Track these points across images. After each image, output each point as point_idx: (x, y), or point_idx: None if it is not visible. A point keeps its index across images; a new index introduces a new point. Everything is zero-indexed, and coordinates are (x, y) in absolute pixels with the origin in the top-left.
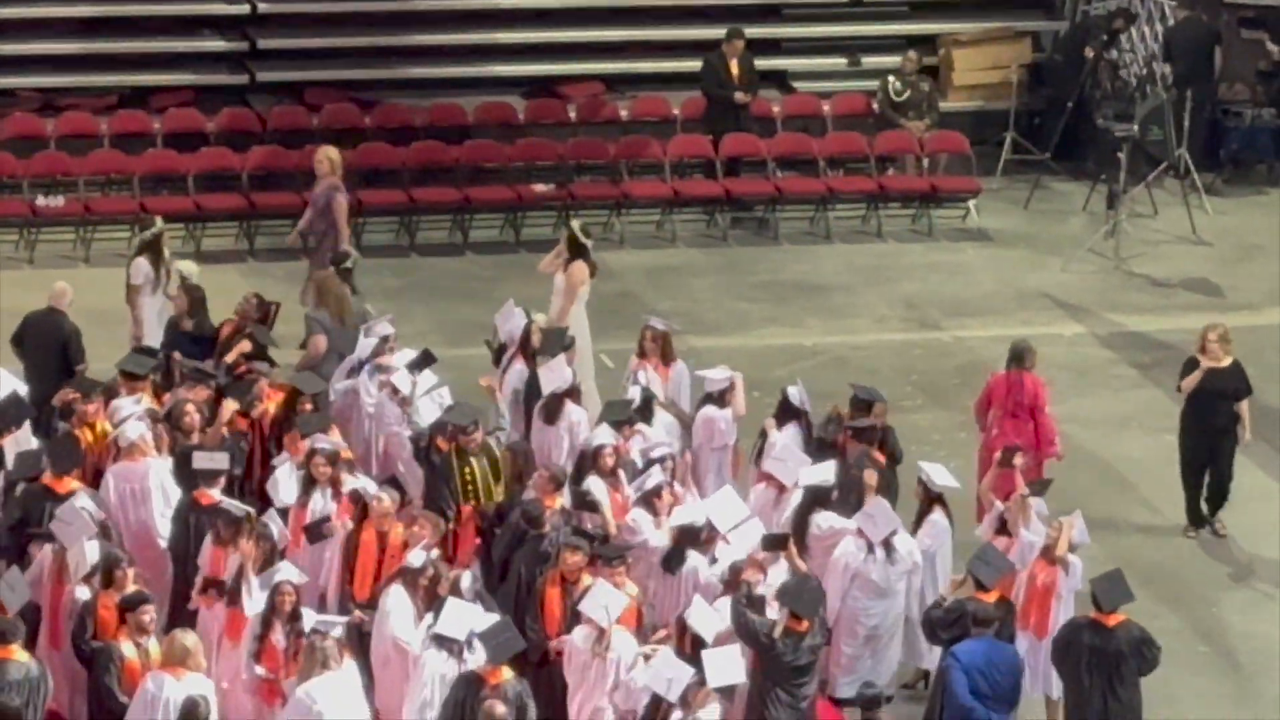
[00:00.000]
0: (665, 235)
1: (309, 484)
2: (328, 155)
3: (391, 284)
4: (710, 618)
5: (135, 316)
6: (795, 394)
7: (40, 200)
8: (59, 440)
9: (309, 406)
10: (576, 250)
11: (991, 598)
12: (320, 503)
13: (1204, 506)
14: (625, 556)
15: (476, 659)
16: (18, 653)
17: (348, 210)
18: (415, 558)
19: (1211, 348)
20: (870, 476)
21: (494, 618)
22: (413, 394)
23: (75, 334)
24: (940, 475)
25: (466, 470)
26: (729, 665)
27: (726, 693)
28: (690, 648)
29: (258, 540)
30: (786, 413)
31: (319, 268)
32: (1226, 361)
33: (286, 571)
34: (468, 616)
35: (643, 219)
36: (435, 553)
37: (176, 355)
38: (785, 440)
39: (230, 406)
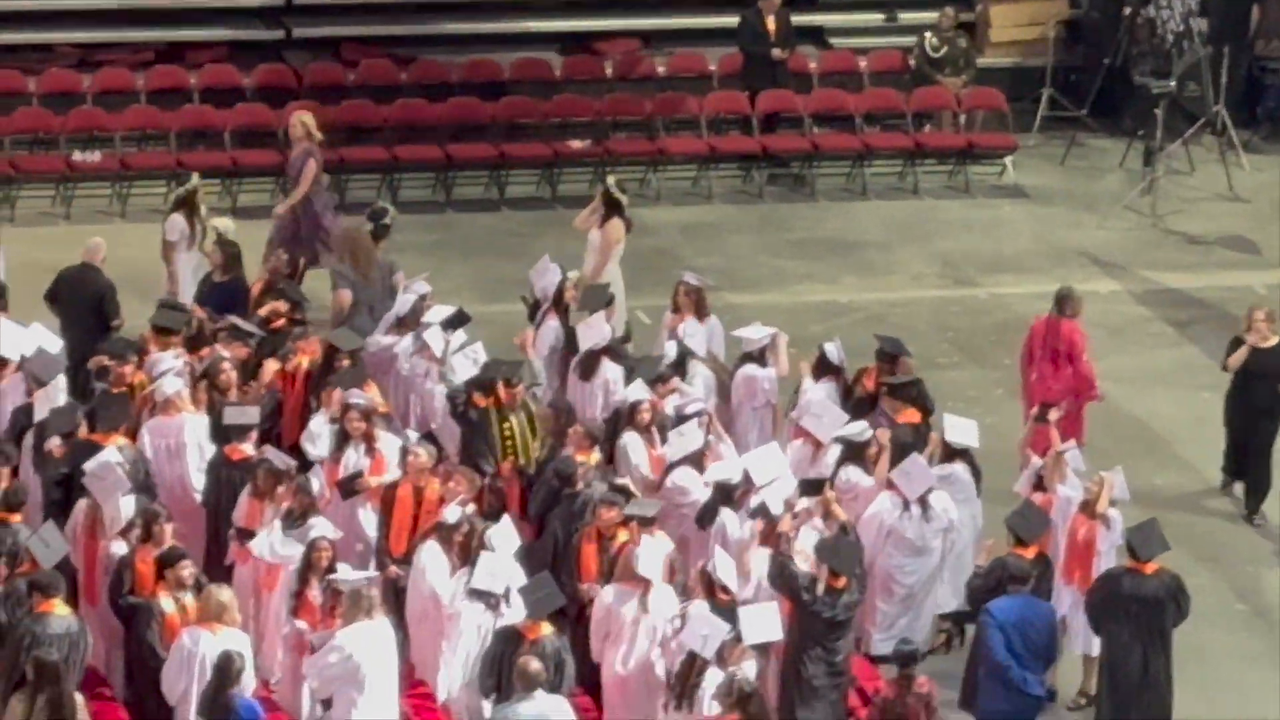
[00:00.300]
0: (701, 191)
1: (343, 439)
2: (301, 120)
3: (427, 240)
4: (732, 569)
5: (171, 273)
6: (833, 351)
7: (77, 155)
8: (108, 396)
9: (345, 362)
10: (612, 207)
11: (1030, 554)
12: (354, 458)
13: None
14: (656, 515)
15: (514, 614)
16: (59, 607)
17: (319, 174)
18: (450, 513)
19: (1259, 326)
20: (883, 435)
21: (536, 574)
22: (445, 352)
23: (110, 289)
24: (961, 431)
25: (505, 426)
26: (765, 622)
27: (762, 649)
28: (721, 598)
29: (296, 493)
30: (823, 369)
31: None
32: (1273, 341)
33: (321, 527)
34: (503, 570)
35: (679, 175)
36: (470, 508)
37: (202, 311)
38: (821, 396)
39: (272, 366)
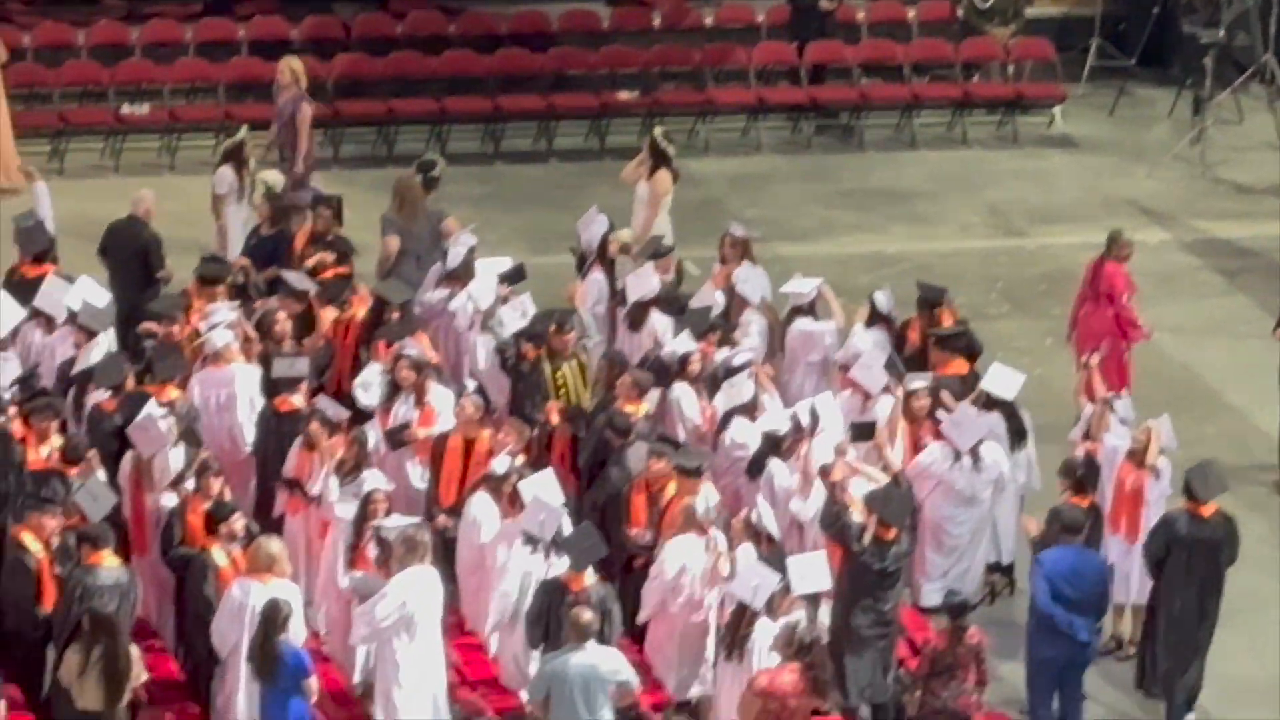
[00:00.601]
0: (750, 142)
1: (393, 390)
2: (290, 65)
3: (476, 192)
4: (773, 518)
5: (220, 226)
6: (883, 300)
7: (125, 108)
8: (164, 347)
9: (395, 314)
10: (659, 158)
11: (1084, 503)
12: (403, 409)
13: None
14: (703, 466)
15: (560, 565)
16: (109, 558)
17: (312, 120)
18: (499, 464)
19: None
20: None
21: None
22: (494, 305)
23: (155, 242)
24: (1001, 381)
25: (558, 374)
26: (814, 572)
27: (811, 599)
28: (766, 547)
29: (351, 444)
30: (873, 319)
31: (296, 181)
32: None
33: (374, 480)
34: (551, 517)
35: (727, 126)
36: (519, 460)
37: (246, 263)
38: (871, 346)
39: (329, 315)
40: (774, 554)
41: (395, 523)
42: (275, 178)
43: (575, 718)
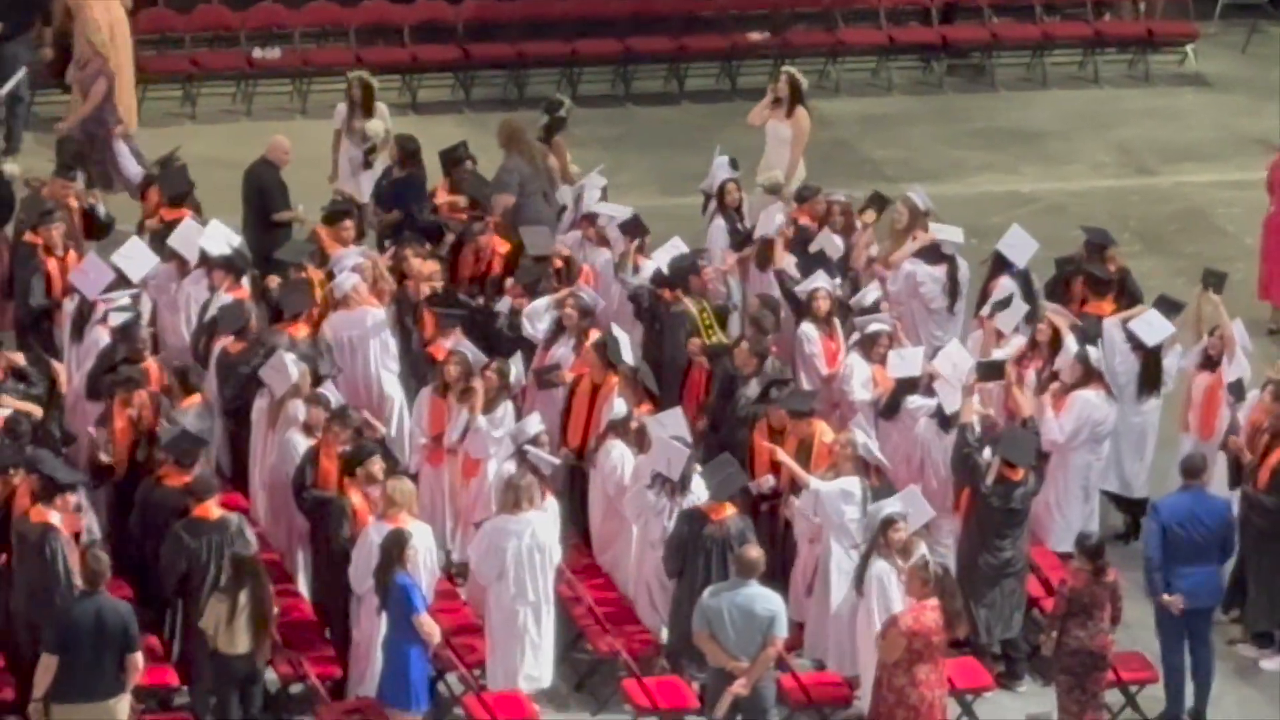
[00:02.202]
0: (880, 83)
1: (558, 329)
2: (89, 38)
3: (606, 134)
4: (874, 445)
5: (335, 160)
6: (1010, 241)
7: (257, 53)
8: (291, 283)
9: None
10: (797, 96)
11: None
12: (562, 350)
13: None
14: (812, 408)
15: (696, 497)
16: (214, 510)
17: (111, 94)
18: (618, 409)
19: None
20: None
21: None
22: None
23: (276, 185)
24: (1150, 327)
25: (702, 313)
26: (917, 504)
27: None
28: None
29: (496, 377)
30: (999, 268)
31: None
32: None
33: (533, 424)
34: (677, 456)
35: (858, 67)
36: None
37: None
38: (1004, 285)
39: (426, 268)
40: (884, 486)
41: (541, 456)
42: (376, 127)
43: (730, 652)
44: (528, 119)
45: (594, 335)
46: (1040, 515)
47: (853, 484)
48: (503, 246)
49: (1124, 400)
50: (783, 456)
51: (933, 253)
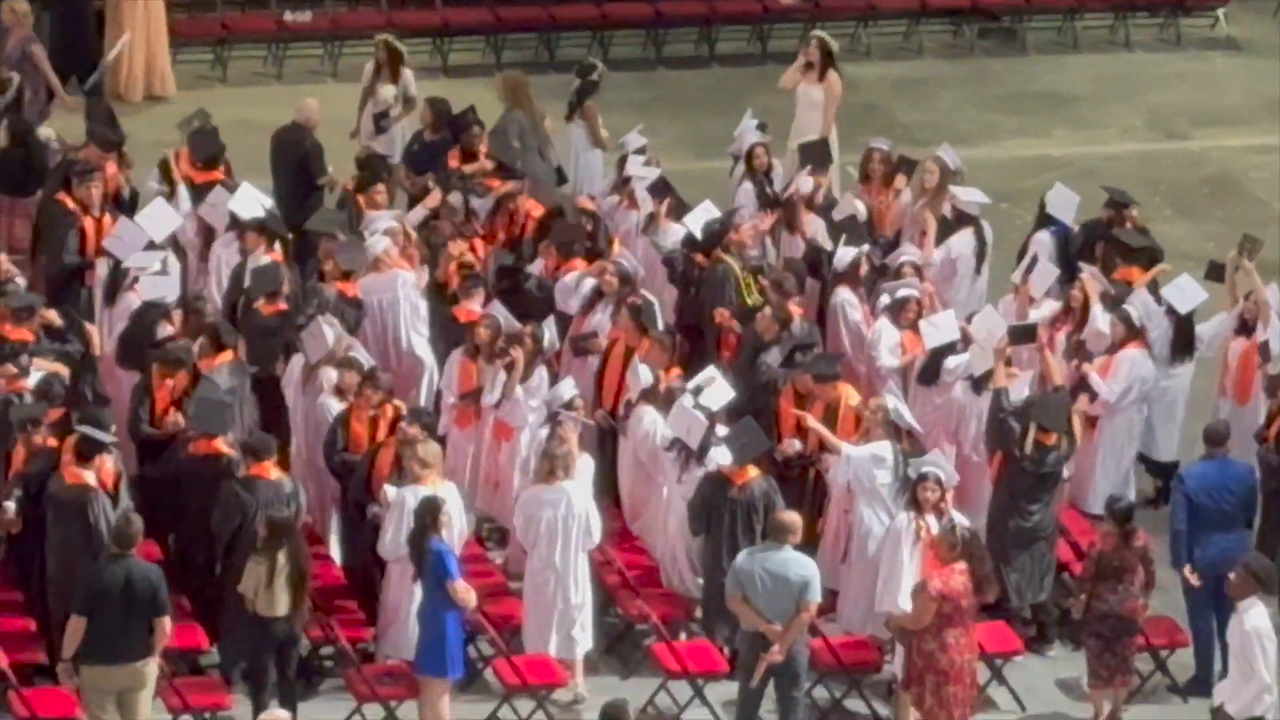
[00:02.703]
0: (912, 46)
1: (597, 295)
2: (11, 7)
3: (638, 97)
4: (905, 410)
5: (358, 118)
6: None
7: (288, 15)
8: (348, 243)
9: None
10: (829, 59)
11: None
12: (600, 316)
13: None
14: (837, 372)
15: (720, 459)
16: (272, 470)
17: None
18: (645, 375)
19: None
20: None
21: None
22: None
23: (317, 149)
24: (1183, 293)
25: (743, 270)
26: (945, 463)
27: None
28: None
29: (531, 342)
30: (1044, 220)
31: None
32: None
33: (567, 389)
34: (695, 424)
35: (889, 30)
36: (674, 373)
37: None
38: (1040, 241)
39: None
40: (915, 448)
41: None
42: (386, 94)
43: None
44: (559, 83)
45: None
46: (1083, 477)
47: (884, 449)
48: (536, 209)
49: (1156, 365)
50: (813, 423)
51: (958, 219)
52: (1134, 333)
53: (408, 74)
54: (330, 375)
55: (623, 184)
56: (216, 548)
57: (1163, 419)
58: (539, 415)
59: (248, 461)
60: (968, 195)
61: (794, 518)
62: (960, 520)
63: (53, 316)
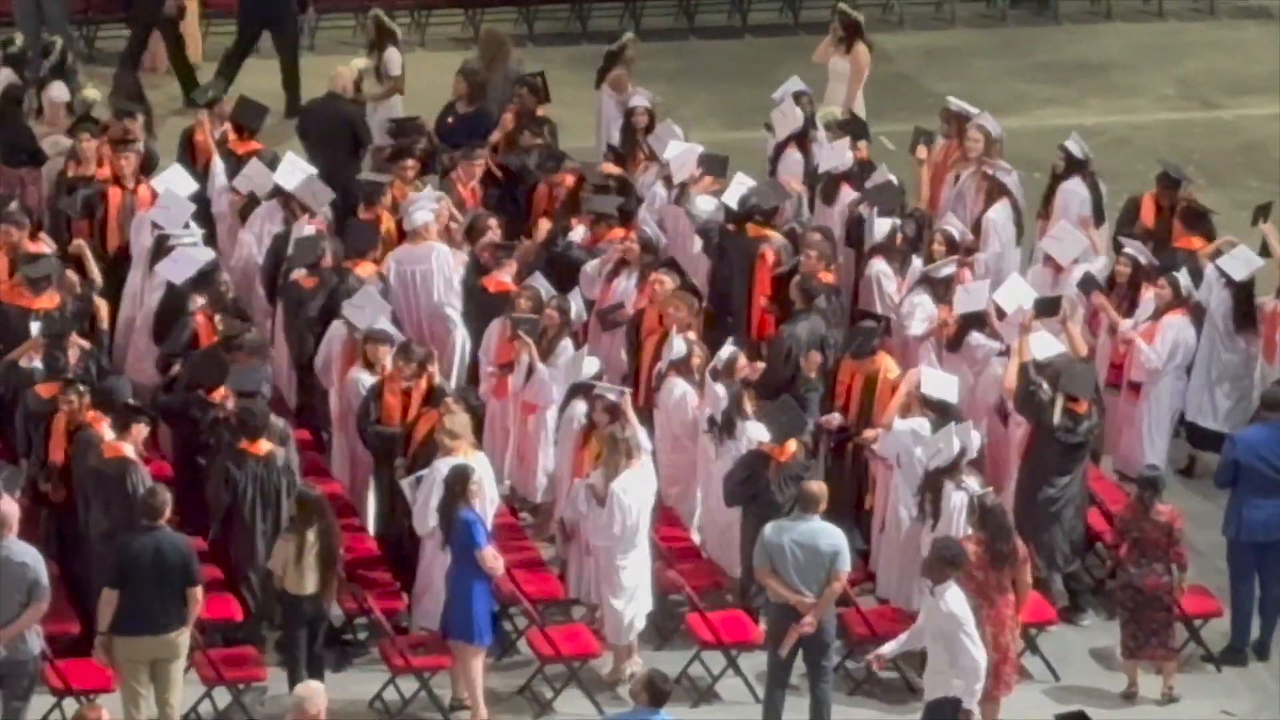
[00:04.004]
0: (944, 16)
1: (620, 265)
2: None
3: (670, 67)
4: (942, 381)
5: None
6: (1075, 146)
7: None
8: (358, 223)
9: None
10: (852, 30)
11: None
12: (624, 285)
13: None
14: (874, 346)
15: (757, 435)
16: (261, 445)
17: None
18: (678, 347)
19: None
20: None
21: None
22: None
23: (360, 114)
24: (1237, 262)
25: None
26: (969, 437)
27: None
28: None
29: (558, 314)
30: (1070, 168)
31: None
32: None
33: (590, 366)
34: (718, 400)
35: (922, 0)
36: (691, 335)
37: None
38: (1061, 217)
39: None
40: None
41: (605, 388)
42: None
43: (794, 587)
44: (591, 53)
45: (658, 274)
46: (1129, 444)
47: (922, 424)
48: (569, 178)
49: (1219, 336)
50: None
51: (995, 191)
52: (1180, 300)
53: (392, 53)
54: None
55: (631, 145)
56: (213, 522)
57: (1231, 391)
58: (563, 388)
59: (242, 438)
60: (998, 167)
61: (821, 487)
62: (976, 490)
63: (74, 282)
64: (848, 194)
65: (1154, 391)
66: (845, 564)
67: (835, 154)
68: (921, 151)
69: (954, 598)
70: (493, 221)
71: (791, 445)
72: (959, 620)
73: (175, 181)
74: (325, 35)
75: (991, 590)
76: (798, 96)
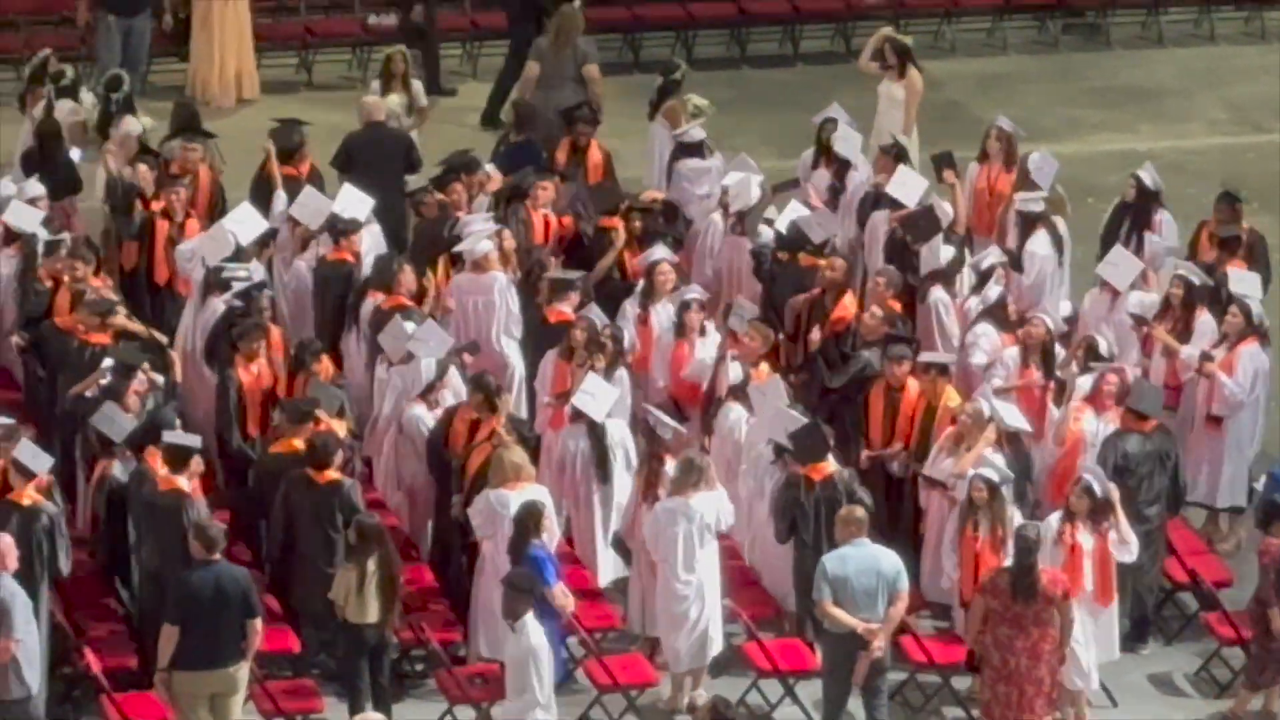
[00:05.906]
0: (996, 42)
1: (649, 293)
2: None
3: (723, 95)
4: (1015, 413)
5: None
6: (1148, 177)
7: (372, 19)
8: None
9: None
10: (904, 56)
11: None
12: (663, 314)
13: None
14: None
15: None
16: (329, 473)
17: None
18: (734, 373)
19: None
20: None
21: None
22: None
23: (410, 139)
24: (1242, 280)
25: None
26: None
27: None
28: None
29: (611, 344)
30: (1141, 197)
31: None
32: None
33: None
34: (790, 421)
35: (973, 27)
36: (765, 365)
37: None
38: (1119, 245)
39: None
40: (1016, 450)
41: (663, 420)
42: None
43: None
44: (644, 83)
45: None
46: (1211, 476)
47: (997, 459)
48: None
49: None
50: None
51: (1027, 224)
52: (1251, 327)
53: (417, 85)
54: (417, 377)
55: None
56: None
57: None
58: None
59: (309, 466)
60: (1029, 200)
61: (860, 511)
62: (1018, 521)
63: (124, 322)
64: (880, 215)
65: (1233, 425)
66: (905, 584)
67: (909, 185)
68: (949, 176)
69: (534, 629)
70: (551, 259)
71: (828, 463)
72: (536, 652)
73: (244, 220)
74: (376, 69)
75: (1027, 623)
76: (823, 124)
